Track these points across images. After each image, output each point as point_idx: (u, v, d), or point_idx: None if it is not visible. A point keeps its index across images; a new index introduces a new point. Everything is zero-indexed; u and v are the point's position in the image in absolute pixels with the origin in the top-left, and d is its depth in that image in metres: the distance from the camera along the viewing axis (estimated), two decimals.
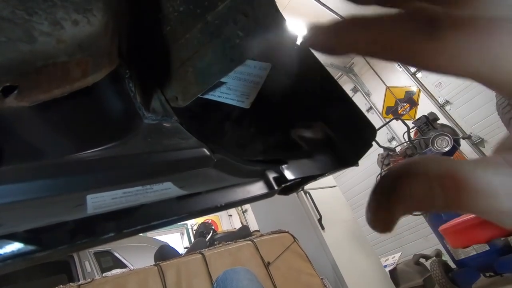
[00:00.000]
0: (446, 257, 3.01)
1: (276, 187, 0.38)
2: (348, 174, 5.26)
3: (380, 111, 5.18)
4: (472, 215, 1.26)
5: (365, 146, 0.42)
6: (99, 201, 0.30)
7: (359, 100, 5.35)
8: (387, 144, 4.74)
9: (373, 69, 5.21)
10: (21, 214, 0.27)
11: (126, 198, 0.31)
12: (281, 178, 0.39)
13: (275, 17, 0.64)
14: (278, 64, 0.61)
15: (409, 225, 4.59)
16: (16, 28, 0.27)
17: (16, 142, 0.33)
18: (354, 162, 0.43)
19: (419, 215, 2.89)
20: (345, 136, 0.44)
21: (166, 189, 0.35)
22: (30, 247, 0.22)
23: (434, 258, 3.03)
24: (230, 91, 0.62)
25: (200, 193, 0.32)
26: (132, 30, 0.57)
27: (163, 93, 0.67)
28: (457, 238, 1.21)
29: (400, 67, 4.77)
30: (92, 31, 0.35)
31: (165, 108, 0.65)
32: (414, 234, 4.62)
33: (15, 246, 0.22)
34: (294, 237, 2.42)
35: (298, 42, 0.65)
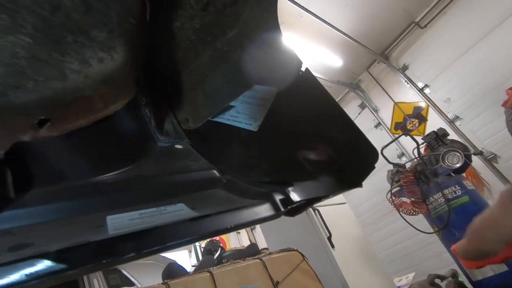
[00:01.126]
0: (462, 278, 2.88)
1: (282, 209, 0.40)
2: (357, 190, 5.16)
3: (389, 127, 5.15)
4: None
5: (368, 168, 0.44)
6: (118, 222, 0.33)
7: (367, 116, 5.35)
8: (396, 160, 4.68)
9: (380, 85, 5.23)
10: (50, 234, 0.30)
11: (143, 219, 0.34)
12: (287, 200, 0.41)
13: (281, 44, 0.68)
14: (284, 88, 0.64)
15: (422, 243, 4.44)
16: (51, 68, 0.31)
17: (45, 168, 0.36)
18: (358, 184, 0.45)
19: (432, 233, 2.81)
20: (348, 159, 0.46)
21: (179, 211, 0.37)
22: (61, 266, 0.24)
23: (450, 278, 2.91)
24: (239, 114, 0.65)
25: (210, 215, 0.35)
26: (148, 59, 0.62)
27: (175, 116, 0.71)
28: None
29: (408, 83, 4.78)
30: (115, 66, 0.39)
31: (177, 131, 0.68)
32: (428, 253, 4.46)
33: (48, 265, 0.24)
34: (303, 256, 2.38)
35: (303, 67, 0.69)
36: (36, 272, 0.23)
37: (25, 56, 0.29)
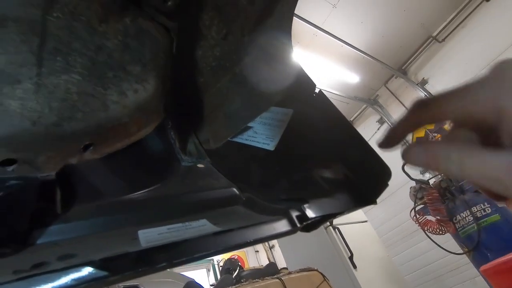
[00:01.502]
0: None
1: (298, 225, 0.42)
2: (379, 208, 5.00)
3: (410, 142, 5.02)
4: None
5: (382, 186, 0.45)
6: (149, 236, 0.36)
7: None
8: (419, 177, 4.52)
9: (398, 99, 5.17)
10: (90, 245, 0.34)
11: (171, 233, 0.37)
12: (303, 216, 0.43)
13: (295, 66, 0.72)
14: (299, 109, 0.67)
15: (452, 265, 4.17)
16: (96, 101, 0.36)
17: (85, 186, 0.41)
18: (372, 201, 0.47)
19: (462, 254, 2.65)
20: (362, 177, 0.48)
21: (203, 226, 0.40)
22: (104, 273, 0.28)
23: None
24: (257, 135, 0.69)
25: (232, 229, 0.38)
26: (173, 86, 0.68)
27: (197, 137, 0.76)
28: (502, 279, 1.10)
29: (427, 96, 4.68)
30: (147, 96, 0.44)
31: (199, 151, 0.73)
32: (459, 276, 4.17)
33: (93, 272, 0.28)
34: (324, 276, 2.32)
35: (316, 89, 0.72)
36: (83, 277, 0.27)
37: (76, 91, 0.35)
